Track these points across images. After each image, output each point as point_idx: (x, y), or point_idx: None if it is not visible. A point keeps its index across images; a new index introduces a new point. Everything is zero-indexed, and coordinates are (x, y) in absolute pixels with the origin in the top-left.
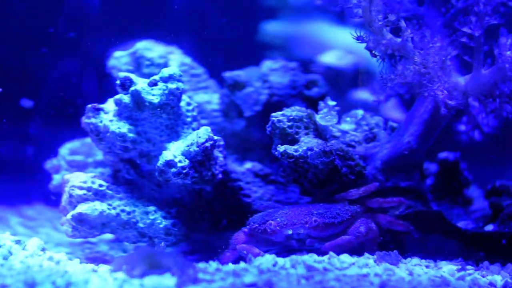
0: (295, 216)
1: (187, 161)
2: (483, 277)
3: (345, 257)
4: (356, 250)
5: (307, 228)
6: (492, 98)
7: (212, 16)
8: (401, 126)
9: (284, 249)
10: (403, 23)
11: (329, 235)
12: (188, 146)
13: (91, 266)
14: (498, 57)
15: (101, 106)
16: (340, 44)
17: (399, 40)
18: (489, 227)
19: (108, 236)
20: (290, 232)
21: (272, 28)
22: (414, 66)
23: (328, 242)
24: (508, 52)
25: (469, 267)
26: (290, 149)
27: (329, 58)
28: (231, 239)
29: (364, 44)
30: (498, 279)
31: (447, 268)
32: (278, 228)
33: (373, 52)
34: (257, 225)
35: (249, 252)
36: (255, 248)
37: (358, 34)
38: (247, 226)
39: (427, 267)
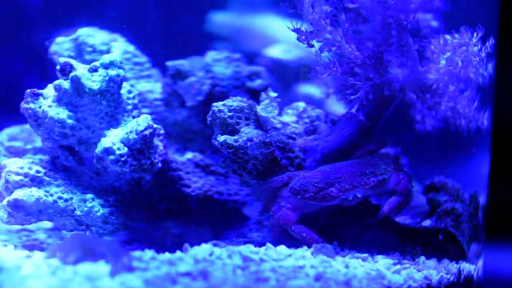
0: (351, 179)
1: (125, 149)
2: (419, 271)
3: (282, 249)
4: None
5: (367, 189)
6: (430, 94)
7: (159, 5)
8: (342, 119)
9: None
10: (343, 17)
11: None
12: (127, 133)
13: (25, 253)
14: (431, 56)
15: (40, 91)
16: (287, 38)
17: (338, 38)
18: (427, 223)
19: (47, 224)
20: (357, 195)
21: (220, 19)
22: (349, 61)
23: (385, 207)
24: (446, 54)
25: (405, 261)
26: (230, 139)
27: (275, 51)
28: (277, 219)
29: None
30: (433, 273)
31: (383, 262)
32: (341, 193)
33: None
34: (312, 194)
35: (308, 236)
36: (313, 233)
37: (296, 27)
38: (297, 196)
39: (363, 260)
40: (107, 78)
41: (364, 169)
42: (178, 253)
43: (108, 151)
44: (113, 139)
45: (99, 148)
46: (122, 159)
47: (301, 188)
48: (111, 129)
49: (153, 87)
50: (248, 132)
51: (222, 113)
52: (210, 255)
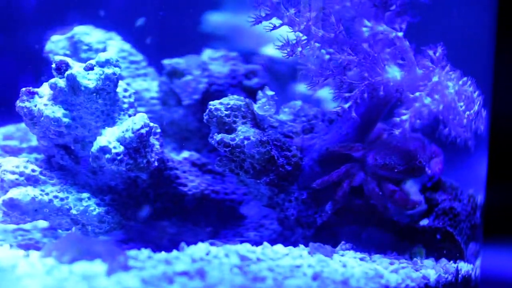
0: (423, 153)
1: (122, 148)
2: (417, 270)
3: (279, 248)
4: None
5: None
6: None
7: (155, 4)
8: (339, 118)
9: None
10: (332, 18)
11: None
12: (123, 132)
13: (21, 252)
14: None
15: (36, 90)
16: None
17: (332, 35)
18: (424, 222)
19: (42, 223)
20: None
21: (216, 19)
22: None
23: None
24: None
25: (403, 260)
26: (226, 137)
27: (271, 50)
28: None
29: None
30: (431, 273)
31: (381, 261)
32: (425, 163)
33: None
34: (404, 167)
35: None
36: None
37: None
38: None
39: (361, 259)
40: (103, 76)
41: (420, 143)
42: (175, 252)
43: (104, 149)
44: (109, 137)
45: (95, 147)
46: (118, 157)
47: (391, 162)
48: (106, 127)
49: (149, 86)
50: (245, 130)
51: (219, 112)
52: (207, 254)
